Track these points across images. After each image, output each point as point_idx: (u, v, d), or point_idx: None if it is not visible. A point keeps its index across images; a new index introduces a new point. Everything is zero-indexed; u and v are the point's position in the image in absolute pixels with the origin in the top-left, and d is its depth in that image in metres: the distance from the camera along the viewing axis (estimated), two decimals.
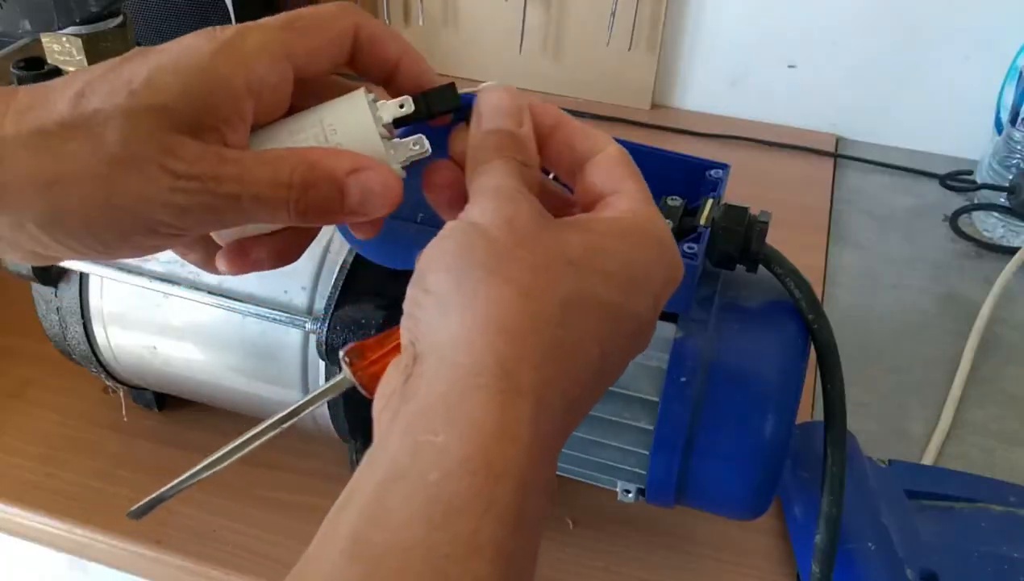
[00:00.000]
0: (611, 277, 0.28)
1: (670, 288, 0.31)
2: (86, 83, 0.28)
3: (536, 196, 0.29)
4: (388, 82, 0.33)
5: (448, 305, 0.26)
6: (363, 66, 0.32)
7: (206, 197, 0.28)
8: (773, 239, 0.44)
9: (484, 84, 0.47)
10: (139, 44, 0.75)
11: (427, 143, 0.32)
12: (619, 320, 0.28)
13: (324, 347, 0.46)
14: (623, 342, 0.29)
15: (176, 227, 0.29)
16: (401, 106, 0.31)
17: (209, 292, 0.49)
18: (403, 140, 0.32)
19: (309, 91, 0.31)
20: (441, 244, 0.28)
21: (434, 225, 0.41)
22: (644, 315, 0.30)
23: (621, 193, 0.31)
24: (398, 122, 0.32)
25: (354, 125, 0.31)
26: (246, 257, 0.33)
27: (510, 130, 0.30)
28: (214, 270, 0.33)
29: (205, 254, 0.34)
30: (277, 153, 0.30)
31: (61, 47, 0.57)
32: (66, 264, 0.51)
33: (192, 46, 0.29)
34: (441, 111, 0.32)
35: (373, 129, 0.31)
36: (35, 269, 0.51)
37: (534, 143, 0.31)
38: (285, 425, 0.35)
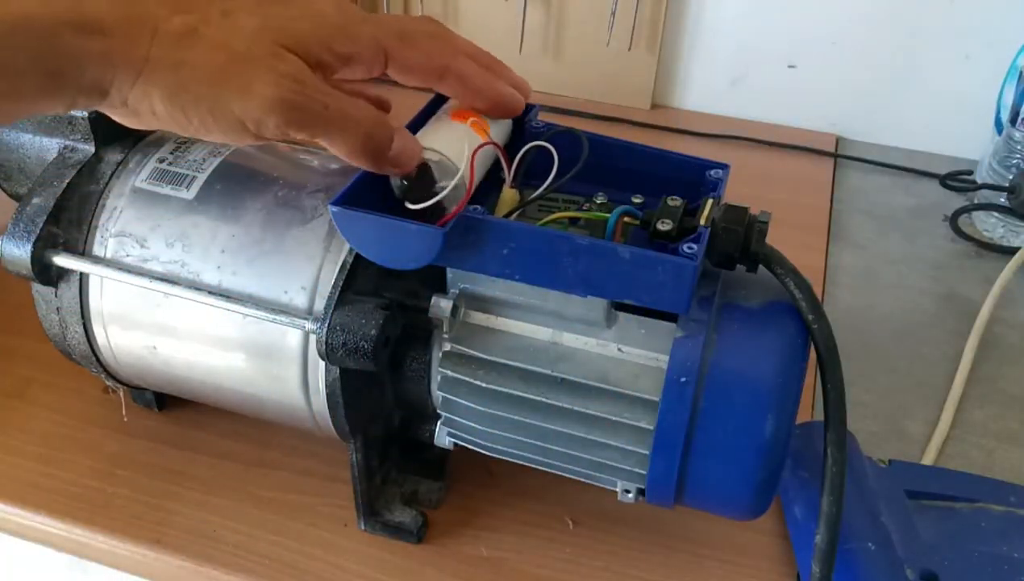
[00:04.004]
0: None
1: None
2: None
3: None
4: None
5: None
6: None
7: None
8: (773, 239, 0.44)
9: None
10: None
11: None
12: None
13: (324, 347, 0.46)
14: None
15: None
16: None
17: (209, 292, 0.49)
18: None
19: None
20: None
21: (435, 223, 0.41)
22: None
23: None
24: None
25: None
26: None
27: None
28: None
29: None
30: None
31: None
32: (66, 263, 0.51)
33: None
34: None
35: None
36: (35, 269, 0.51)
37: None
38: None
